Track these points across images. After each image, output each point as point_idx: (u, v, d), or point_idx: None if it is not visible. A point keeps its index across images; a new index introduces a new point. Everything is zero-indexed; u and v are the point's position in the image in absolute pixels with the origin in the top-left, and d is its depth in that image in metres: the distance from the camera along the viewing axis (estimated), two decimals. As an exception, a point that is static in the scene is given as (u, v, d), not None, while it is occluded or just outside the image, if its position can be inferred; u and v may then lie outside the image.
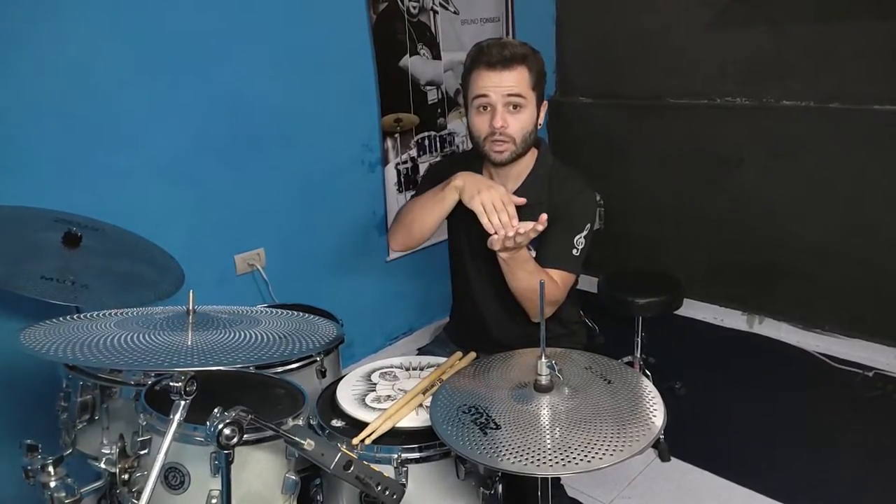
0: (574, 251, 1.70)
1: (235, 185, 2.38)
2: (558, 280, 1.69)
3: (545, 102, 1.72)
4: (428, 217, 1.72)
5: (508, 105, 1.63)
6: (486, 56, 1.62)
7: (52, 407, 1.64)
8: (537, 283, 1.49)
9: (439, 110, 3.04)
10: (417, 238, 1.78)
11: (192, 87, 2.21)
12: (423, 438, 1.30)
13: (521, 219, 1.70)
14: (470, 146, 1.80)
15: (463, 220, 1.78)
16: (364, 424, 1.33)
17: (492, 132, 1.64)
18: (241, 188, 2.40)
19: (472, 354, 1.61)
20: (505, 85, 1.62)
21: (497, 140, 1.65)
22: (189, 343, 1.19)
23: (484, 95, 1.63)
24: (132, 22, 2.04)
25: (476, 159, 1.80)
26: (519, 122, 1.65)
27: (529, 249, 1.66)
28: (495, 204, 1.56)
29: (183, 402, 1.13)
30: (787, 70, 2.87)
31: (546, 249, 1.70)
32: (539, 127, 1.72)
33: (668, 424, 1.17)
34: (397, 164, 2.91)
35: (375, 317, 2.95)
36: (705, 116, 3.13)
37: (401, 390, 1.47)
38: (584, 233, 1.70)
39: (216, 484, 1.21)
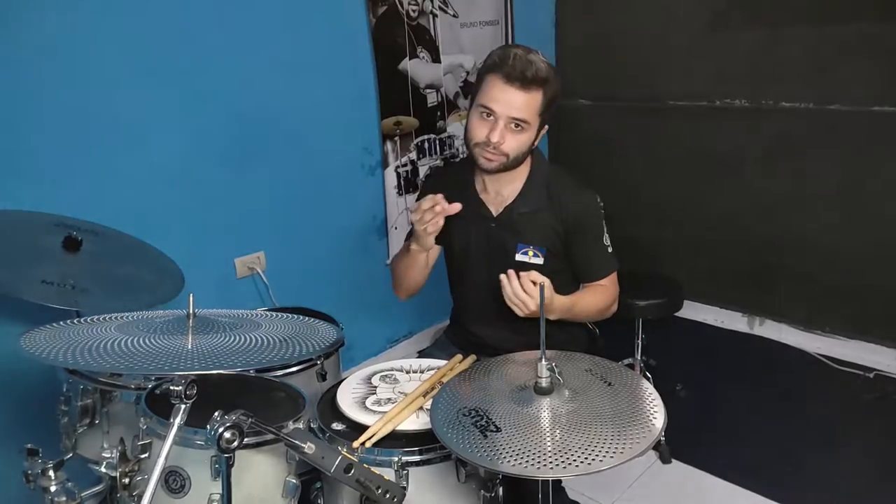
0: (608, 250, 1.78)
1: (235, 188, 2.38)
2: (609, 283, 1.78)
3: (546, 127, 1.71)
4: (413, 274, 1.82)
5: (511, 123, 1.61)
6: (507, 67, 1.58)
7: (52, 411, 1.64)
8: (597, 307, 1.75)
9: (439, 113, 3.04)
10: (417, 289, 1.88)
11: (193, 90, 2.21)
12: (423, 441, 1.29)
13: (525, 224, 1.72)
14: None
15: (461, 225, 1.79)
16: (364, 427, 1.33)
17: (487, 142, 1.63)
18: (241, 191, 2.40)
19: (473, 357, 1.61)
20: (514, 105, 1.59)
21: (489, 150, 1.63)
22: (189, 347, 1.19)
23: (490, 107, 1.61)
24: (133, 26, 2.05)
25: (465, 170, 1.80)
26: (517, 142, 1.63)
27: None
28: (421, 205, 1.62)
29: (183, 406, 1.13)
30: (785, 72, 2.87)
31: (587, 265, 1.78)
32: (534, 146, 1.71)
33: (668, 426, 1.17)
34: (397, 167, 2.91)
35: (376, 320, 2.94)
36: (705, 118, 3.13)
37: (401, 393, 1.47)
38: (605, 231, 1.78)
39: (217, 488, 1.21)
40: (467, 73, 3.08)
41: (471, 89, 1.78)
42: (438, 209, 1.60)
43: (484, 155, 1.65)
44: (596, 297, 1.77)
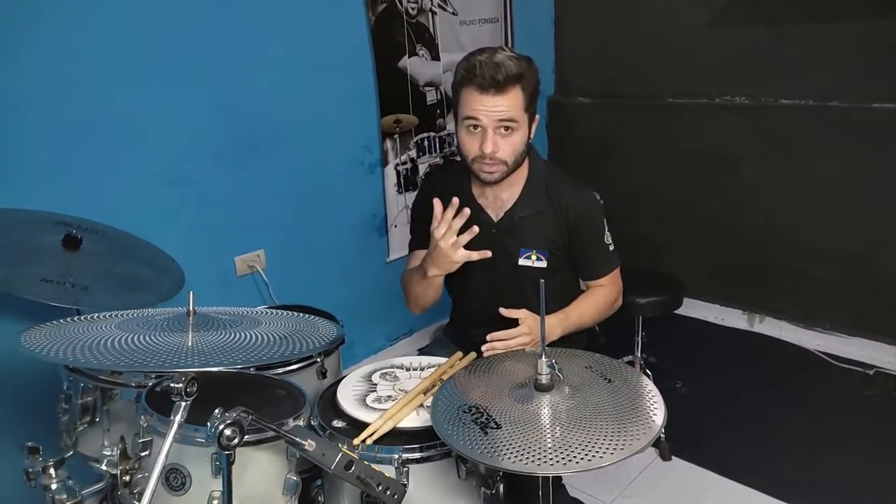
0: (610, 248, 1.78)
1: (235, 186, 2.38)
2: (609, 282, 1.79)
3: (537, 117, 1.68)
4: (431, 294, 1.75)
5: (500, 128, 1.58)
6: (477, 78, 1.54)
7: (52, 409, 1.64)
8: (597, 309, 1.75)
9: (438, 111, 3.04)
10: (430, 306, 1.81)
11: (192, 89, 2.21)
12: (423, 438, 1.30)
13: (526, 228, 1.72)
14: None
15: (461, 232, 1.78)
16: (365, 425, 1.33)
17: (482, 155, 1.60)
18: (240, 190, 2.40)
19: (473, 354, 1.61)
20: (497, 109, 1.55)
21: (486, 162, 1.61)
22: (189, 344, 1.19)
23: (474, 118, 1.58)
24: (131, 24, 2.05)
25: (462, 174, 1.77)
26: (511, 145, 1.60)
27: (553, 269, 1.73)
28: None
29: (184, 404, 1.13)
30: (785, 69, 2.87)
31: (589, 265, 1.78)
32: (530, 140, 1.69)
33: (668, 423, 1.17)
34: (397, 164, 2.91)
35: (376, 318, 2.94)
36: (704, 116, 3.13)
37: (401, 390, 1.47)
38: (606, 228, 1.77)
39: (217, 485, 1.21)
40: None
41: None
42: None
43: (483, 169, 1.63)
44: (597, 300, 1.78)
